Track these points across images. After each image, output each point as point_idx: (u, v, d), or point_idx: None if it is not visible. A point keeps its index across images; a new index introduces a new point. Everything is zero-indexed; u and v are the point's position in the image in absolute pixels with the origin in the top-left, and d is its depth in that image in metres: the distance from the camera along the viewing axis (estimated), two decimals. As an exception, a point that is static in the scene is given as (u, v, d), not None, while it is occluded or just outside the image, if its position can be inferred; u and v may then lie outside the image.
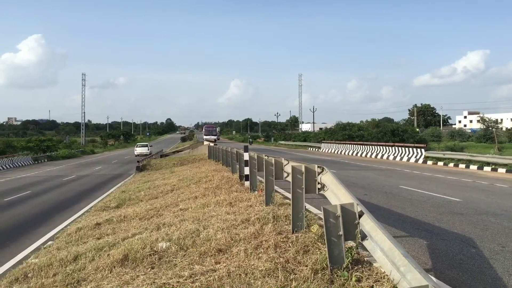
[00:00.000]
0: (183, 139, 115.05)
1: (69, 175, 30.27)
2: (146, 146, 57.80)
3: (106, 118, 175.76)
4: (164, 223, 8.91)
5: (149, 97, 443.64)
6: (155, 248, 6.52)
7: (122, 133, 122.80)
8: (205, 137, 75.94)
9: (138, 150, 54.83)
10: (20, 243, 10.54)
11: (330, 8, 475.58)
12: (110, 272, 5.89)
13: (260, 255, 5.51)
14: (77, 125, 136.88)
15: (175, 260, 5.88)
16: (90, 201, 17.03)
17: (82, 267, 6.57)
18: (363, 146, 39.01)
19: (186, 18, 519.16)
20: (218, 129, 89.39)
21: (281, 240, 6.00)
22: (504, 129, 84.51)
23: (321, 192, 6.45)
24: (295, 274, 4.74)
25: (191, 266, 5.45)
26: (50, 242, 10.05)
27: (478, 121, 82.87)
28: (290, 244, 5.78)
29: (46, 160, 52.37)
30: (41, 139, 65.79)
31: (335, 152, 44.00)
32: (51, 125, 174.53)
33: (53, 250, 8.70)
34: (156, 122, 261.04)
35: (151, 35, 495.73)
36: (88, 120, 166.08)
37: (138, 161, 32.88)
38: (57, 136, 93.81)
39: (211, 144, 41.94)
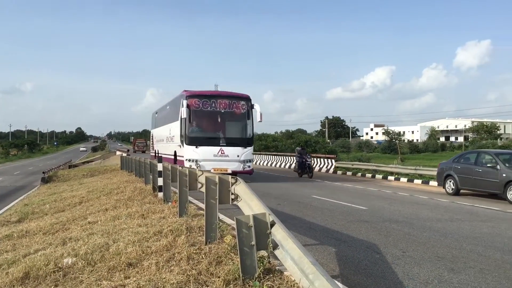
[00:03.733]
0: (94, 149, 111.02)
1: (-36, 188, 27.70)
2: (85, 147, 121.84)
3: (8, 126, 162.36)
4: (71, 238, 8.44)
5: (58, 105, 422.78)
6: (59, 264, 6.15)
7: (27, 142, 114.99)
8: (187, 154, 19.15)
9: (82, 148, 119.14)
10: None
11: (247, 19, 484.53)
12: (8, 292, 5.47)
13: (172, 267, 5.41)
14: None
15: (81, 277, 5.59)
16: (-12, 216, 15.68)
17: (-24, 288, 6.03)
18: (278, 156, 39.85)
19: (100, 25, 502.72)
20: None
21: (194, 251, 5.93)
22: (406, 141, 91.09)
23: (235, 202, 6.48)
24: (207, 286, 4.71)
25: (99, 282, 5.21)
26: None
27: (383, 133, 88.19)
28: (203, 255, 5.74)
29: None
30: None
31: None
32: None
33: None
34: (65, 131, 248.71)
35: (61, 41, 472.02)
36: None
37: (43, 172, 30.97)
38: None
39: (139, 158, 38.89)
